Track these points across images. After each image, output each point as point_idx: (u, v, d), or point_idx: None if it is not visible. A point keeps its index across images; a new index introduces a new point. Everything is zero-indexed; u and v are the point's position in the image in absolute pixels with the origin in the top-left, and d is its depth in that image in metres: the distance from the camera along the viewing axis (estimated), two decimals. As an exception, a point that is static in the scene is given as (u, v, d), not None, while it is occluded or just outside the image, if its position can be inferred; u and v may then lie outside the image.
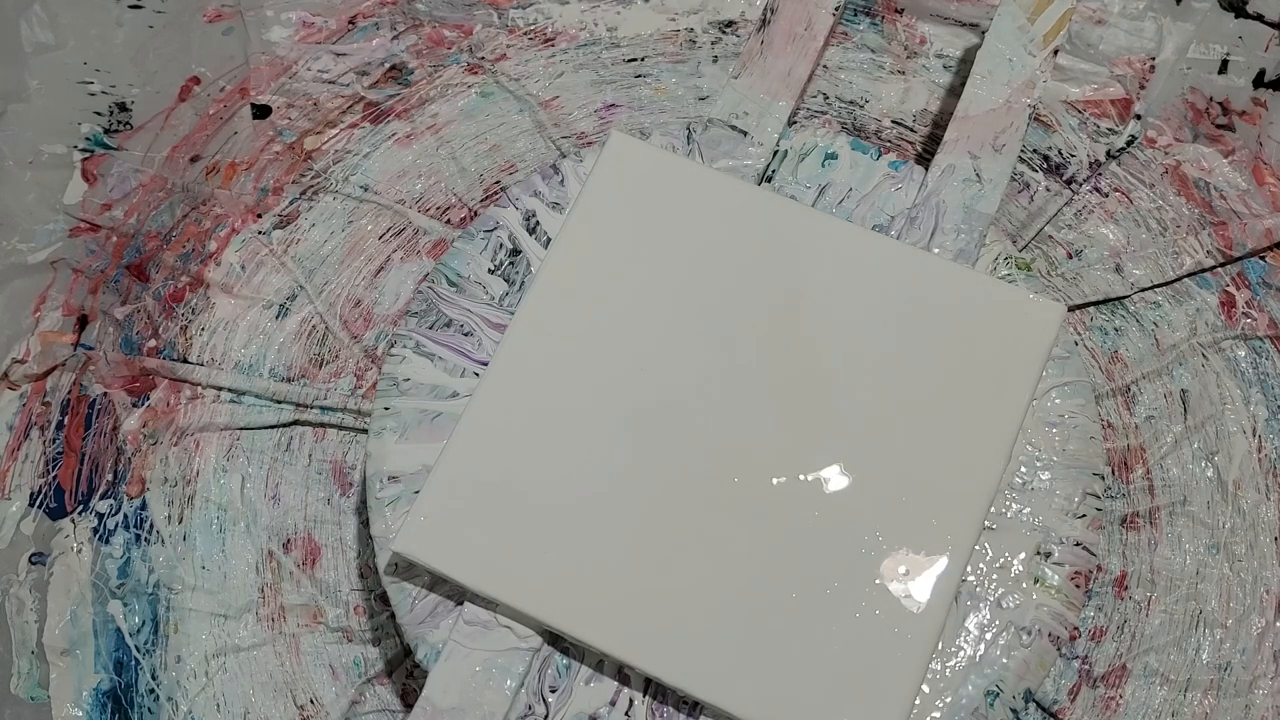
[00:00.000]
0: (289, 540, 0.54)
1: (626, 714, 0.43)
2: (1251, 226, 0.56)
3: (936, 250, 0.47)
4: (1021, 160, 0.57)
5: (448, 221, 0.59)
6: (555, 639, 0.43)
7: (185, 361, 0.56)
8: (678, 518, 0.43)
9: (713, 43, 0.61)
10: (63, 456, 0.55)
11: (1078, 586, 0.44)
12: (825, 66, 0.61)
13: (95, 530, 0.54)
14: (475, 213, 0.59)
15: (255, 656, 0.53)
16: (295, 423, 0.56)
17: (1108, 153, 0.58)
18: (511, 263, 0.48)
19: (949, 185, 0.48)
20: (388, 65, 0.61)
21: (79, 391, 0.56)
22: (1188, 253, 0.56)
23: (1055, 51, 0.50)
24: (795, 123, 0.56)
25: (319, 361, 0.57)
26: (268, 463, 0.55)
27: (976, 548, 0.43)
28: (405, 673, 0.53)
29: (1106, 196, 0.57)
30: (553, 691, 0.43)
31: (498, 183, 0.59)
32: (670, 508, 0.43)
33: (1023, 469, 0.45)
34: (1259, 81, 0.58)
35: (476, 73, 0.61)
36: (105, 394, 0.56)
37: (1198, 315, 0.56)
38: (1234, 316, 0.56)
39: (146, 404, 0.56)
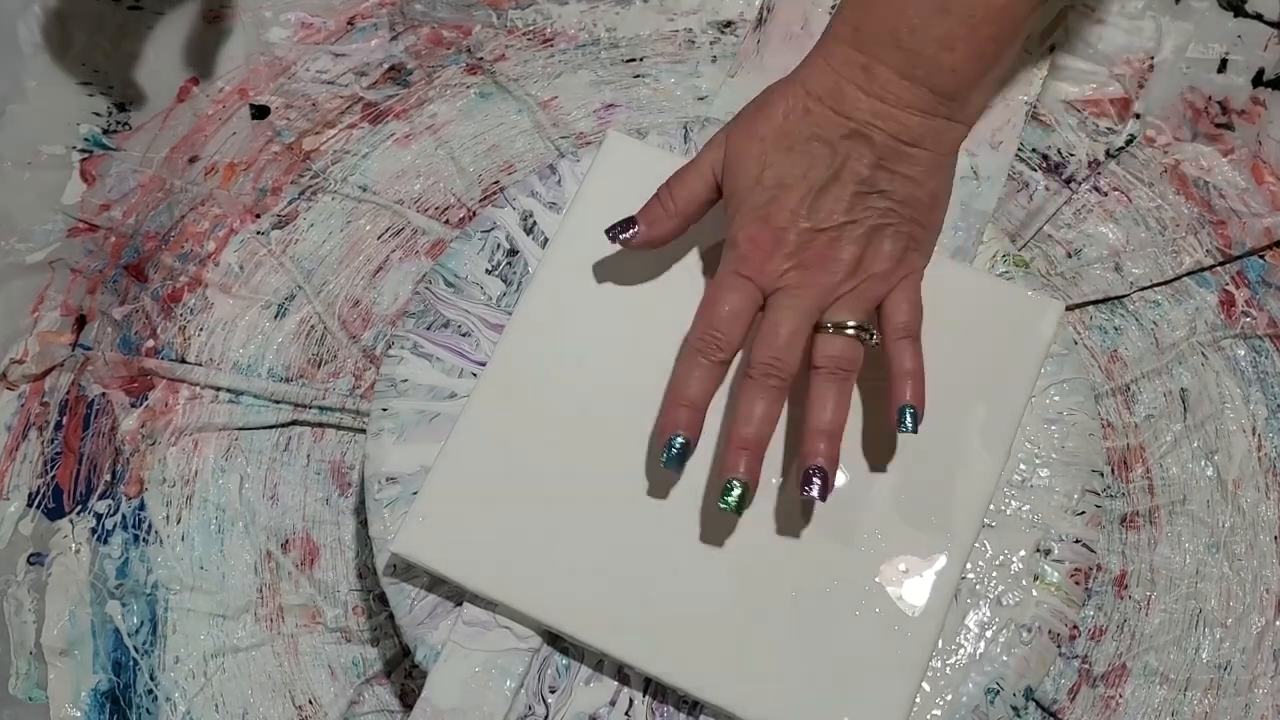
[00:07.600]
0: (287, 540, 0.54)
1: (627, 714, 0.43)
2: (1251, 225, 0.56)
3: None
4: (1021, 159, 0.57)
5: (446, 221, 0.59)
6: (555, 639, 0.43)
7: (184, 362, 0.56)
8: (676, 517, 0.43)
9: (711, 43, 0.61)
10: (61, 457, 0.55)
11: (1077, 583, 0.44)
12: (824, 66, 0.60)
13: (94, 530, 0.54)
14: (474, 212, 0.59)
15: (254, 657, 0.53)
16: (294, 423, 0.56)
17: (1107, 152, 0.58)
18: (509, 263, 0.48)
19: (947, 183, 0.48)
20: (386, 66, 0.61)
21: (77, 392, 0.56)
22: (1187, 252, 0.56)
23: (1052, 49, 0.50)
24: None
25: (317, 361, 0.57)
26: (266, 463, 0.55)
27: (976, 545, 0.43)
28: (404, 673, 0.53)
29: (1106, 195, 0.57)
30: (552, 692, 0.43)
31: (496, 183, 0.59)
32: (669, 507, 0.43)
33: (1022, 466, 0.45)
34: (1258, 81, 0.58)
35: (475, 73, 0.61)
36: (104, 394, 0.56)
37: (1197, 314, 0.56)
38: (1233, 315, 0.56)
39: (145, 404, 0.56)
